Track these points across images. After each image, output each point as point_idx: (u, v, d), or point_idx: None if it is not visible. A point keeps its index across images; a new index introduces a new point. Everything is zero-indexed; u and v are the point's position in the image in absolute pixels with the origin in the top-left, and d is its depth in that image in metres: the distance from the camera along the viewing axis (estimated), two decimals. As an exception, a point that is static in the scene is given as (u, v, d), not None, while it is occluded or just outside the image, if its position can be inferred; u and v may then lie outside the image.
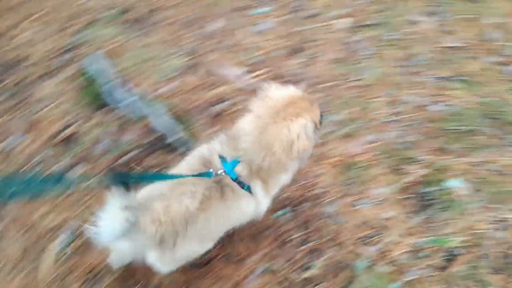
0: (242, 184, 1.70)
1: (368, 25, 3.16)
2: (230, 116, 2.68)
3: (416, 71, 2.93)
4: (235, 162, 1.69)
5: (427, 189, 2.44)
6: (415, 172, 2.49)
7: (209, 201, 1.63)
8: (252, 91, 2.77)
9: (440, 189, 2.43)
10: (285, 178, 1.89)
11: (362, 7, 3.27)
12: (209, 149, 1.77)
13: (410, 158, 2.55)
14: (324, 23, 3.17)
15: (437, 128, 2.67)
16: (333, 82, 2.86)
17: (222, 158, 1.71)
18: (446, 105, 2.76)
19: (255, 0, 3.36)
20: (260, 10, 3.24)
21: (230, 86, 2.83)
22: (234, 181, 1.69)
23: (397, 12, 3.22)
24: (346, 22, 3.16)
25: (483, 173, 2.47)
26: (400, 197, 2.41)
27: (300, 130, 1.65)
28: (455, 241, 2.26)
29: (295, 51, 3.02)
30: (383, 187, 2.43)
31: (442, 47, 3.05)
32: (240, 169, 1.69)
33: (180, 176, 1.60)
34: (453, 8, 3.27)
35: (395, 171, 2.50)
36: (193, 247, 1.76)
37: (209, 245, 1.84)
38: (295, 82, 2.88)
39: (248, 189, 1.72)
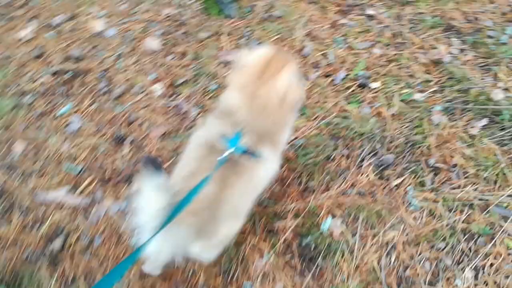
0: (252, 154, 1.80)
1: (185, 82, 3.03)
2: (75, 246, 2.36)
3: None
4: (238, 137, 1.78)
5: (306, 240, 2.40)
6: (288, 226, 2.41)
7: (228, 179, 1.74)
8: (88, 206, 2.46)
9: (319, 234, 2.40)
10: (287, 133, 2.03)
11: (168, 65, 3.14)
12: (209, 134, 1.85)
13: (279, 212, 2.46)
14: (137, 98, 2.97)
15: (294, 168, 2.61)
16: (172, 160, 2.65)
17: (224, 137, 1.79)
18: (293, 139, 2.72)
19: (56, 99, 2.98)
20: (64, 108, 2.89)
21: (59, 213, 2.47)
22: (244, 154, 1.78)
23: (206, 59, 3.13)
24: (160, 87, 2.98)
25: (350, 201, 2.51)
26: (284, 261, 2.33)
27: (288, 81, 1.84)
28: (353, 286, 2.21)
29: (119, 141, 2.75)
30: (264, 257, 2.33)
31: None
32: (245, 141, 1.79)
33: (207, 179, 1.63)
34: (259, 34, 3.30)
35: (270, 233, 2.43)
36: (230, 225, 1.88)
37: (243, 218, 1.95)
38: (130, 178, 2.60)
39: (259, 156, 1.82)
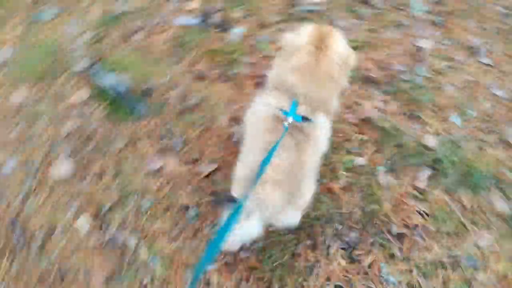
0: (309, 120, 2.17)
1: (112, 207, 2.93)
2: None
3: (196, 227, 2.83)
4: (294, 106, 2.15)
5: None
6: None
7: (301, 144, 2.12)
8: None
9: None
10: (336, 102, 2.38)
11: (87, 191, 3.00)
12: (267, 107, 2.22)
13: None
14: (63, 242, 2.80)
15: (261, 276, 2.61)
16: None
17: (282, 109, 2.17)
18: (252, 243, 2.72)
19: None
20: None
21: None
22: (303, 121, 2.15)
23: (130, 172, 3.05)
24: (85, 221, 2.84)
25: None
26: None
27: (342, 44, 2.27)
28: None
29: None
30: None
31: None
32: (301, 110, 2.16)
33: (274, 149, 2.01)
34: (181, 128, 3.32)
35: None
36: (310, 185, 2.32)
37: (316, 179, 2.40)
38: None
39: (316, 121, 2.20)
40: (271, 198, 2.05)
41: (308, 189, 2.32)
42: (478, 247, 2.78)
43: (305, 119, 2.17)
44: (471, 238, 2.82)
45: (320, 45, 2.19)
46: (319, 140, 2.26)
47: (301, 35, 2.27)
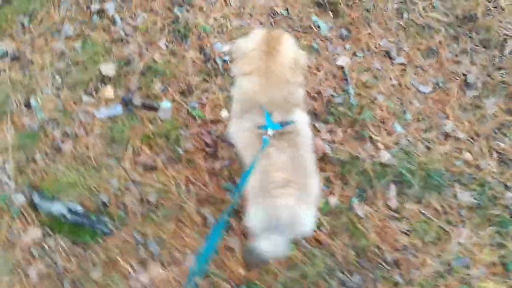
0: (288, 123, 2.24)
1: None
2: None
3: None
4: (268, 116, 2.21)
5: None
6: None
7: (295, 140, 2.24)
8: None
9: None
10: (302, 91, 2.42)
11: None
12: (246, 129, 2.29)
13: None
14: None
15: None
16: None
17: (259, 125, 2.23)
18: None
19: None
20: None
21: None
22: (283, 126, 2.23)
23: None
24: None
25: None
26: None
27: (291, 47, 2.32)
28: None
29: None
30: None
31: None
32: (276, 117, 2.23)
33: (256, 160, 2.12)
34: (151, 230, 3.20)
35: None
36: (315, 179, 2.33)
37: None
38: None
39: (294, 121, 2.28)
40: (284, 200, 2.12)
41: (315, 183, 2.34)
42: (461, 245, 3.04)
43: (284, 123, 2.25)
44: (452, 239, 3.06)
45: (270, 50, 2.23)
46: (306, 131, 2.40)
47: (251, 41, 2.31)
